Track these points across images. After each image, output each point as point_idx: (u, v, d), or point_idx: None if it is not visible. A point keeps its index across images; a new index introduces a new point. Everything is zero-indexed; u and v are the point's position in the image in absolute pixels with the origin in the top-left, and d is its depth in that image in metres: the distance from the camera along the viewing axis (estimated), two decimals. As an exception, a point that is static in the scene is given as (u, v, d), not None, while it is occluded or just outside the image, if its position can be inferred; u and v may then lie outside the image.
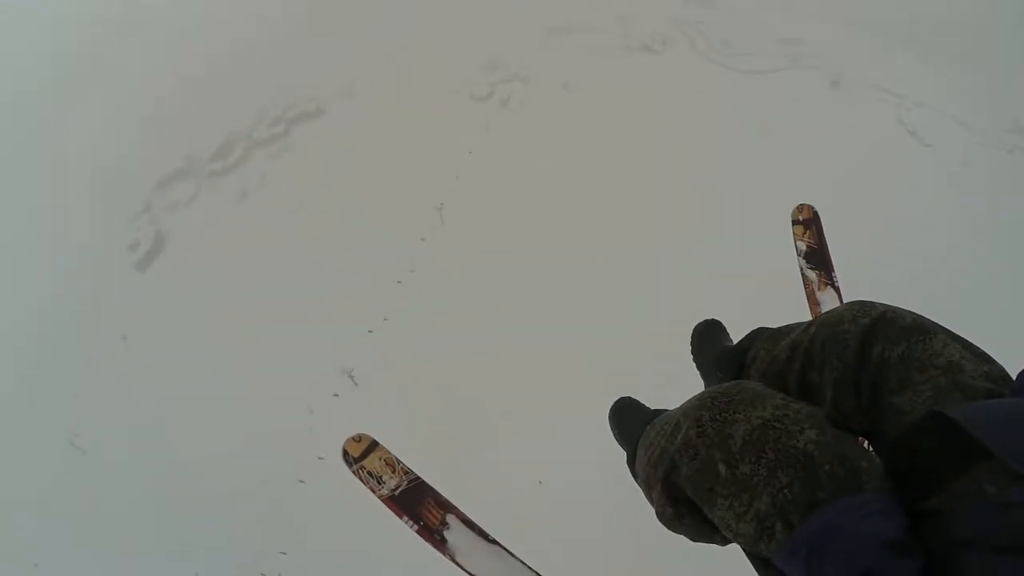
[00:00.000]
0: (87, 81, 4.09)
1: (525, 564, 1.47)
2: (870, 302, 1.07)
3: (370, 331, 2.92)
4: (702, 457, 0.93)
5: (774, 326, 1.36)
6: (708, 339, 1.78)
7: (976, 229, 3.13)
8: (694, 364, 1.81)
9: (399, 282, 3.08)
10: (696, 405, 1.01)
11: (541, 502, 2.40)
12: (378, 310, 2.98)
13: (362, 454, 1.60)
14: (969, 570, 0.70)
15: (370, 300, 3.02)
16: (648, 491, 1.13)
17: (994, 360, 0.96)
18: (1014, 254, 3.07)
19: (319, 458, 2.53)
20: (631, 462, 1.38)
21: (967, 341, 0.99)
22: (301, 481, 2.56)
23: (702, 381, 1.78)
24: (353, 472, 1.59)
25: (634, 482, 1.30)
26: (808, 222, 2.15)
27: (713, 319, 1.83)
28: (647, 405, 1.67)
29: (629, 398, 1.72)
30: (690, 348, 1.83)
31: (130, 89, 4.03)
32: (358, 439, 1.62)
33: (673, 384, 1.54)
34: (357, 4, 4.31)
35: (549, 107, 3.76)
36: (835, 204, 2.98)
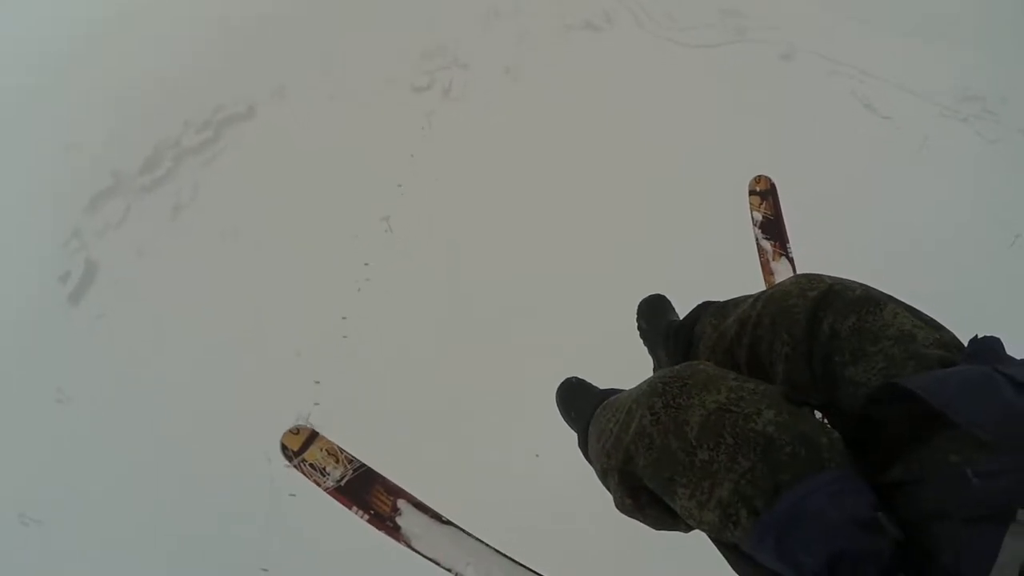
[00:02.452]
0: (7, 107, 3.79)
1: (482, 542, 1.45)
2: (816, 275, 1.06)
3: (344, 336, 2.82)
4: (658, 446, 0.91)
5: (722, 299, 1.34)
6: (654, 314, 1.75)
7: (937, 200, 3.08)
8: (641, 340, 1.78)
9: (359, 290, 2.96)
10: (648, 392, 0.98)
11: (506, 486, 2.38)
12: (335, 321, 2.87)
13: (302, 446, 1.55)
14: (940, 541, 0.71)
15: (324, 311, 2.90)
16: (604, 479, 1.11)
17: (944, 327, 0.96)
18: (972, 225, 3.03)
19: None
20: (582, 444, 1.36)
21: (917, 310, 0.99)
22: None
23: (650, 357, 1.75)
24: (294, 467, 1.53)
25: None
26: (765, 193, 2.17)
27: (658, 294, 1.80)
28: (595, 385, 1.63)
29: (576, 378, 1.69)
30: (636, 324, 1.79)
31: (53, 106, 3.76)
32: (296, 431, 1.57)
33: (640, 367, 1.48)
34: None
35: (492, 93, 3.60)
36: (792, 178, 2.94)
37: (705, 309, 1.37)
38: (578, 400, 1.57)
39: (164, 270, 3.15)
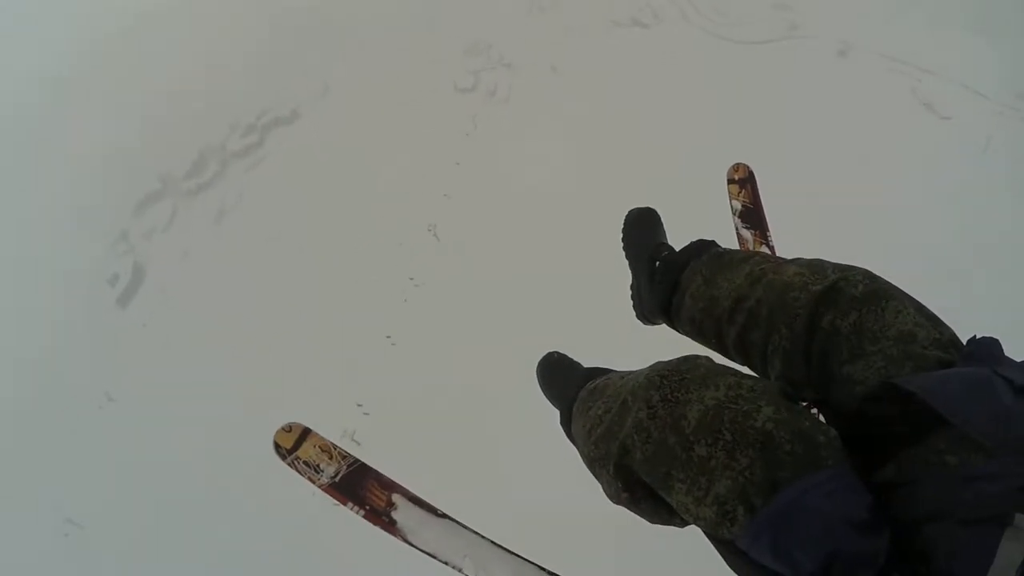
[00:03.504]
0: (55, 111, 3.81)
1: (479, 535, 1.43)
2: (820, 264, 1.06)
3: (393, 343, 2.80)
4: (655, 440, 0.90)
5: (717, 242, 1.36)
6: (642, 229, 1.69)
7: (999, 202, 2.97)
8: (624, 253, 1.72)
9: (405, 300, 2.94)
10: (645, 385, 0.98)
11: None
12: (382, 329, 2.85)
13: (295, 444, 1.54)
14: (935, 543, 0.71)
15: (372, 320, 2.88)
16: (592, 467, 1.11)
17: (946, 325, 0.96)
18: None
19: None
20: (565, 424, 1.36)
21: (919, 304, 0.98)
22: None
23: (631, 273, 1.69)
24: (288, 464, 1.53)
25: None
26: (743, 181, 2.15)
27: (649, 207, 1.74)
28: (579, 361, 1.62)
29: (557, 353, 1.68)
30: (621, 236, 1.73)
31: (102, 108, 3.78)
32: (288, 428, 1.56)
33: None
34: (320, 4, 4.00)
35: (539, 94, 3.53)
36: (849, 182, 2.86)
37: (698, 253, 1.34)
38: (560, 377, 1.57)
39: (209, 275, 3.16)
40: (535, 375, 1.69)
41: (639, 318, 1.66)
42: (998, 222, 2.90)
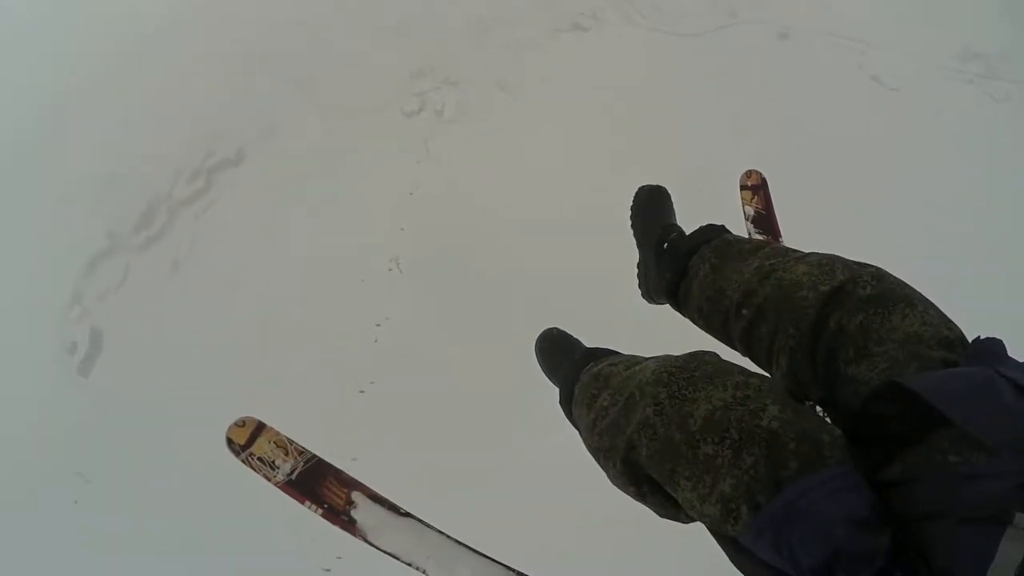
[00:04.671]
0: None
1: (444, 534, 1.39)
2: (830, 262, 1.06)
3: (361, 391, 2.72)
4: (661, 437, 0.92)
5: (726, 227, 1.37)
6: (652, 208, 1.67)
7: (959, 171, 2.99)
8: (631, 230, 1.71)
9: (375, 341, 2.85)
10: (653, 381, 0.99)
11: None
12: (354, 376, 2.77)
13: (248, 440, 1.47)
14: (935, 542, 0.71)
15: (344, 366, 2.80)
16: (598, 457, 1.12)
17: (953, 324, 0.97)
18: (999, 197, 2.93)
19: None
20: (565, 404, 1.37)
21: (927, 303, 0.99)
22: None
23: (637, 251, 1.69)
24: (242, 461, 1.46)
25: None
26: (756, 187, 2.17)
27: (659, 186, 1.71)
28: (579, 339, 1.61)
29: (557, 329, 1.66)
30: (630, 214, 1.72)
31: (40, 170, 3.63)
32: (241, 424, 1.49)
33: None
34: (256, 37, 3.90)
35: (488, 110, 3.48)
36: (805, 160, 2.84)
37: (707, 238, 1.35)
38: (560, 355, 1.55)
39: (170, 329, 3.05)
40: (533, 351, 1.66)
41: (644, 297, 1.68)
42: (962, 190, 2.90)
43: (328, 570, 2.42)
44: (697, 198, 2.74)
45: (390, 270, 3.00)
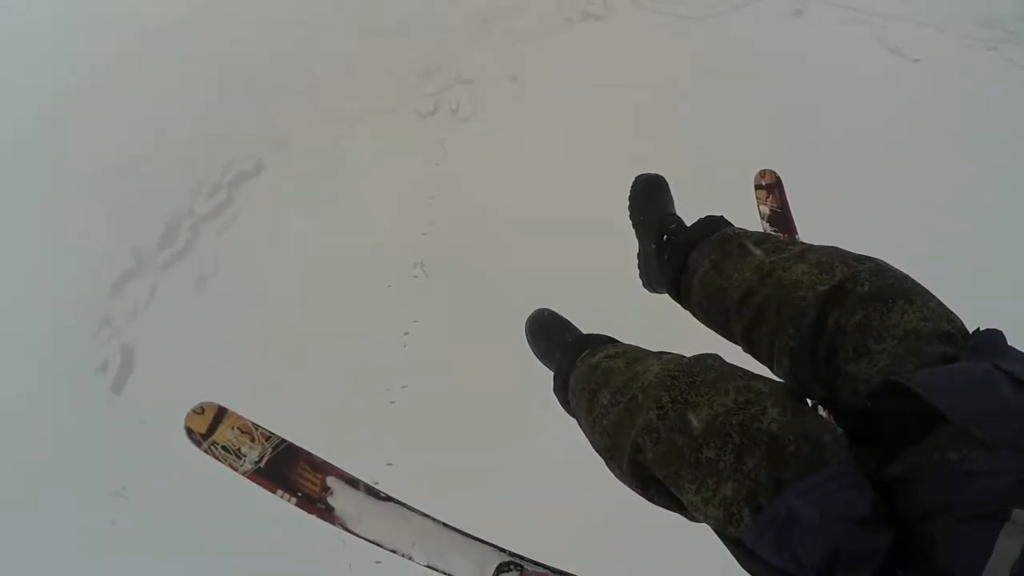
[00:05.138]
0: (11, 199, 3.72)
1: (429, 517, 1.31)
2: (830, 263, 1.05)
3: (392, 401, 2.71)
4: (665, 440, 0.92)
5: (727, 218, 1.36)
6: (650, 197, 1.65)
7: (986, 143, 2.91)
8: (630, 220, 1.69)
9: (404, 347, 2.83)
10: (656, 384, 0.99)
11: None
12: (384, 384, 2.74)
13: (210, 428, 1.36)
14: (934, 539, 0.71)
15: (377, 369, 2.78)
16: (600, 453, 1.12)
17: (954, 317, 0.96)
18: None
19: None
20: (560, 390, 1.36)
21: (928, 295, 0.98)
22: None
23: (637, 242, 1.68)
24: (204, 451, 1.35)
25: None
26: (771, 187, 2.15)
27: (657, 175, 1.68)
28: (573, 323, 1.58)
29: (549, 311, 1.63)
30: (628, 203, 1.70)
31: (59, 193, 3.66)
32: (200, 411, 1.38)
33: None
34: (262, 50, 3.89)
35: (502, 105, 3.46)
36: (825, 149, 2.78)
37: (706, 233, 1.33)
38: (553, 339, 1.54)
39: (198, 346, 3.06)
40: (524, 332, 1.63)
41: (645, 286, 1.67)
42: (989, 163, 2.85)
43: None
44: (714, 189, 2.76)
45: (415, 276, 2.99)
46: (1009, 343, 0.90)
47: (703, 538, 0.98)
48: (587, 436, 1.20)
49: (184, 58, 3.88)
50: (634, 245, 1.70)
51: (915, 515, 0.74)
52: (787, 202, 2.11)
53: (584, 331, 1.54)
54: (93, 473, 2.82)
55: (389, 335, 2.86)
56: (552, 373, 1.44)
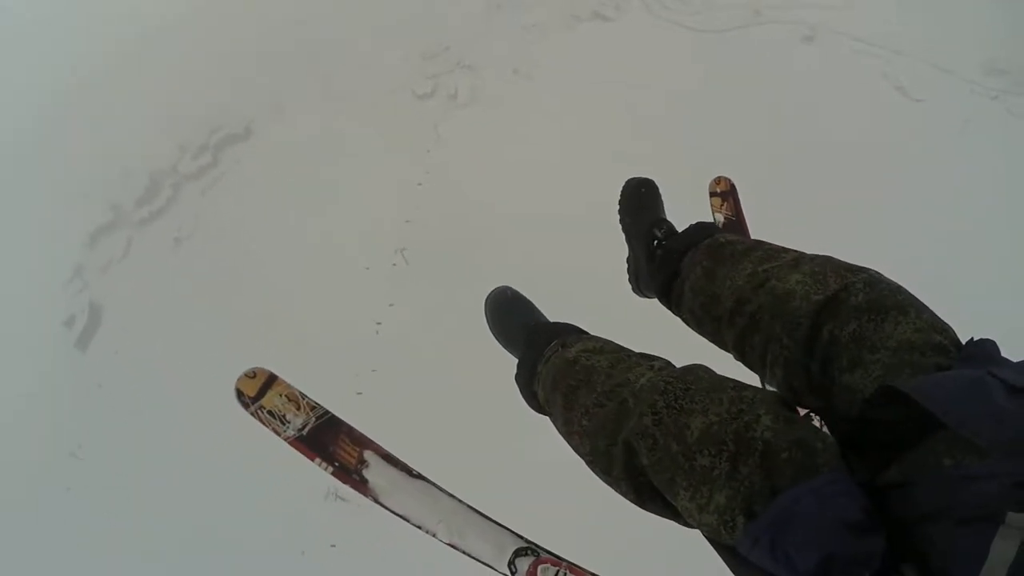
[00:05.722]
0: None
1: (456, 498, 1.35)
2: (823, 273, 1.05)
3: (359, 392, 2.67)
4: (660, 446, 0.93)
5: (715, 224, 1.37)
6: (640, 202, 1.64)
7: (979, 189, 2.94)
8: (620, 224, 1.67)
9: (377, 333, 2.81)
10: (649, 388, 1.01)
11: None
12: (354, 367, 2.71)
13: (259, 392, 1.42)
14: (930, 543, 0.72)
15: (349, 346, 2.76)
16: (579, 453, 1.13)
17: (947, 328, 0.97)
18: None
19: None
20: (525, 380, 1.36)
21: (921, 306, 0.98)
22: None
23: (628, 247, 1.66)
24: (251, 414, 1.41)
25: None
26: (725, 194, 2.14)
27: (648, 179, 1.67)
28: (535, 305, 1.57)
29: (512, 290, 1.61)
30: (618, 207, 1.68)
31: (43, 140, 3.58)
32: (252, 375, 1.43)
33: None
34: (271, 10, 3.80)
35: (502, 96, 3.41)
36: (826, 169, 2.77)
37: (698, 239, 1.33)
38: (517, 320, 1.53)
39: (169, 307, 3.02)
40: (483, 310, 1.61)
41: (634, 291, 1.67)
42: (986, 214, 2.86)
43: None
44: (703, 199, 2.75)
45: (394, 265, 2.95)
46: (1003, 353, 0.91)
47: (696, 539, 0.99)
48: (562, 433, 1.21)
49: (179, 49, 3.77)
50: (621, 244, 1.69)
51: (912, 519, 0.75)
52: (741, 209, 2.10)
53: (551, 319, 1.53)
54: (50, 431, 2.80)
55: (362, 319, 2.84)
56: (516, 358, 1.43)
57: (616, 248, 2.72)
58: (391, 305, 2.87)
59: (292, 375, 2.63)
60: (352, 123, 3.37)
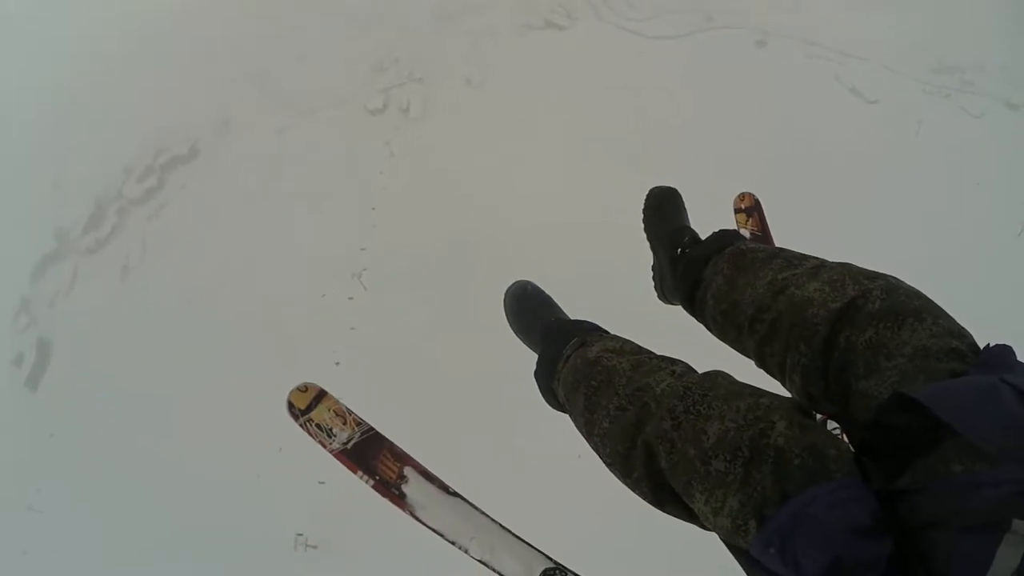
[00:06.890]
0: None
1: (488, 516, 1.42)
2: (842, 280, 1.06)
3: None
4: (678, 450, 0.95)
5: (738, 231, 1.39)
6: (665, 212, 1.67)
7: (937, 190, 2.97)
8: (644, 232, 1.70)
9: (336, 363, 2.75)
10: (669, 393, 1.03)
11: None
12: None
13: (309, 405, 1.50)
14: (937, 549, 0.73)
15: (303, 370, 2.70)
16: (599, 452, 1.14)
17: (965, 334, 0.97)
18: (975, 215, 2.92)
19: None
20: (544, 376, 1.39)
21: (938, 312, 0.99)
22: None
23: (652, 255, 1.69)
24: (300, 426, 1.49)
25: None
26: (750, 210, 2.16)
27: (671, 188, 1.70)
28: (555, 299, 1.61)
29: (532, 285, 1.66)
30: (642, 216, 1.71)
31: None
32: (304, 389, 1.51)
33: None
34: (212, 25, 3.69)
35: (455, 108, 3.35)
36: (783, 177, 2.78)
37: (720, 247, 1.35)
38: (538, 316, 1.57)
39: (120, 341, 2.94)
40: (503, 304, 1.65)
41: (660, 298, 1.70)
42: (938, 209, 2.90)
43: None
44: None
45: (351, 298, 2.90)
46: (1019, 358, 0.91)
47: (700, 537, 1.02)
48: (582, 433, 1.23)
49: (124, 47, 3.64)
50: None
51: (919, 525, 0.76)
52: (767, 224, 2.12)
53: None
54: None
55: (320, 346, 2.78)
56: (536, 354, 1.47)
57: (587, 253, 2.73)
58: (352, 329, 2.83)
59: (251, 402, 2.62)
60: (302, 139, 3.30)
